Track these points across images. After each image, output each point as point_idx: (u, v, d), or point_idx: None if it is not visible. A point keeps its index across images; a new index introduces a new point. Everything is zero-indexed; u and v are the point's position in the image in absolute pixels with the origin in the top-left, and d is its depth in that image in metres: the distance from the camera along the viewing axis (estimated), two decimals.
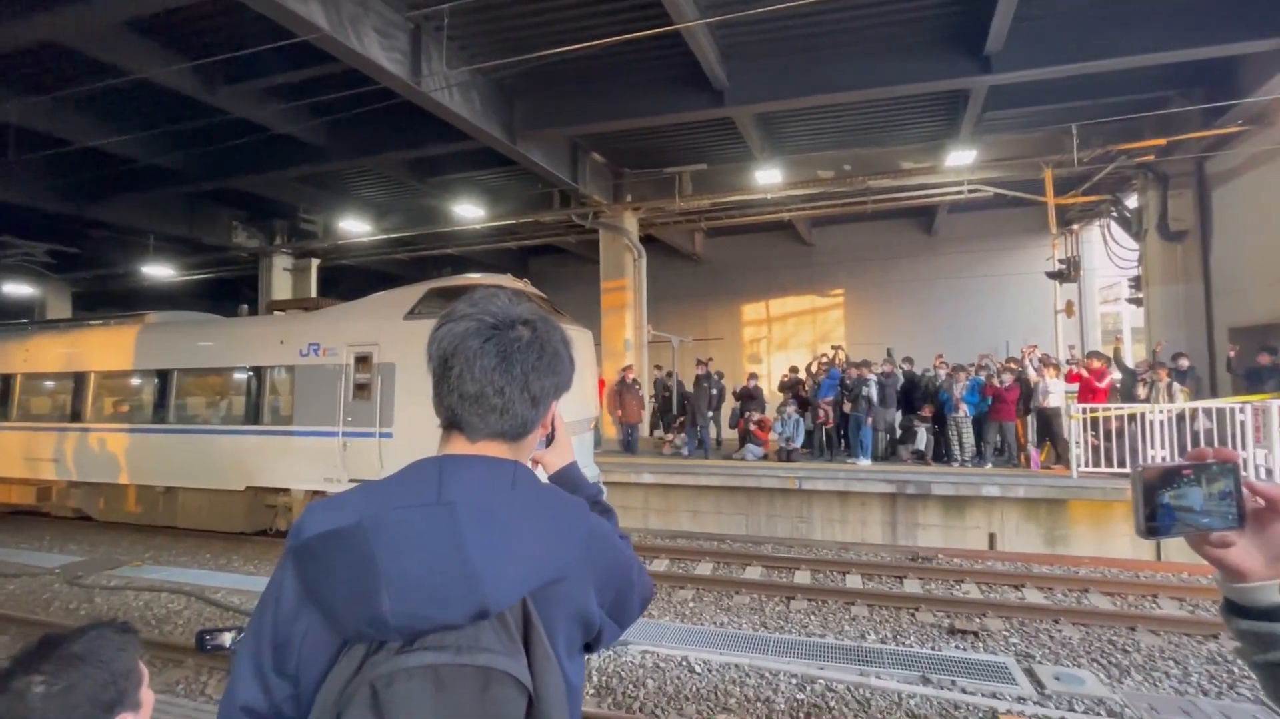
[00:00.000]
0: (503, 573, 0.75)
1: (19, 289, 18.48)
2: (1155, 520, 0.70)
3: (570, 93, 10.00)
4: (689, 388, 12.28)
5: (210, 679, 5.00)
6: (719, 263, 19.44)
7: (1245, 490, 0.70)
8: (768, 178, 12.26)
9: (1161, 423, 8.23)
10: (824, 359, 11.95)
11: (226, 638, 1.28)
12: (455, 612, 0.72)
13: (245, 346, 9.04)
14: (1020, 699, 4.42)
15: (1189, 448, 8.13)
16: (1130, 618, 5.96)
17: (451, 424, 0.90)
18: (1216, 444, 7.96)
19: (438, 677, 0.70)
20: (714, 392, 11.76)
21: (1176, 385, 8.55)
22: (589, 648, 0.90)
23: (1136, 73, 9.34)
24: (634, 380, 12.17)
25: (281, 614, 0.78)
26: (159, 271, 17.56)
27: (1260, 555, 0.70)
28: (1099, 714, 4.27)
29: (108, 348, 10.00)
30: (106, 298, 21.44)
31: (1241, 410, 7.96)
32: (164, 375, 9.35)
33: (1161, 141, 10.25)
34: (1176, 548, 7.71)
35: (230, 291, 20.77)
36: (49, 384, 10.43)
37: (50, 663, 0.95)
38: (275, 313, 10.10)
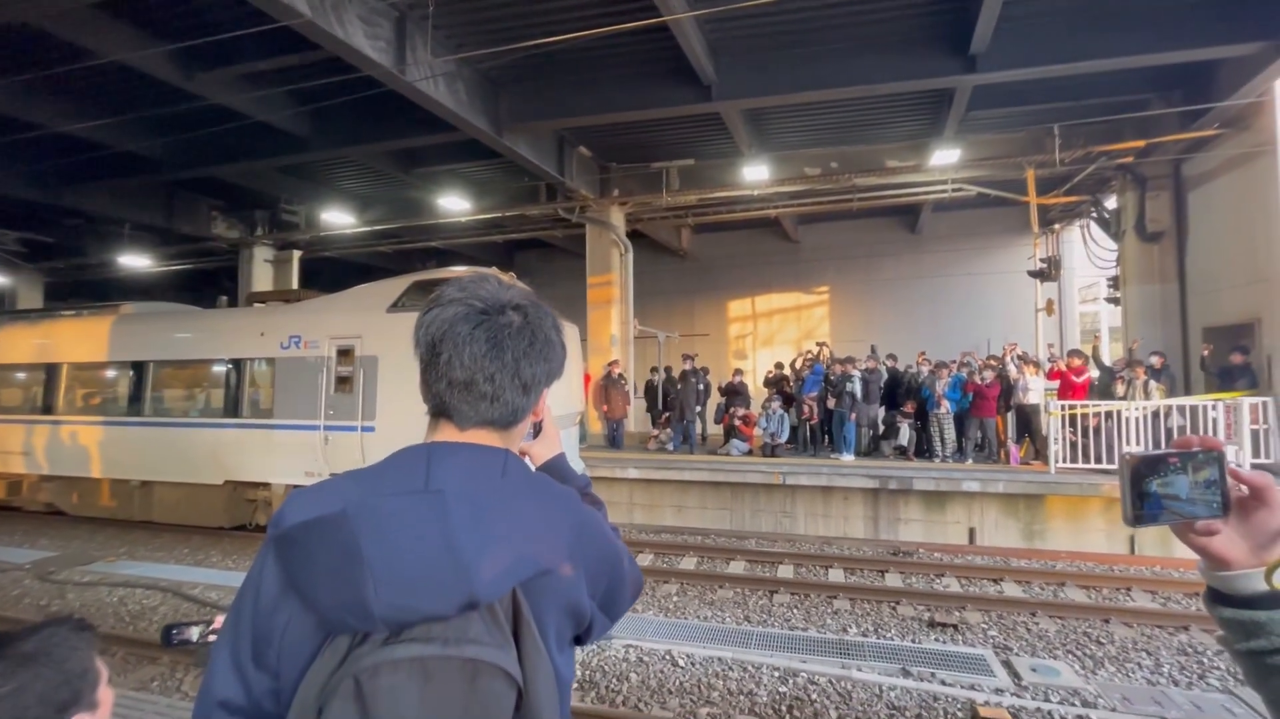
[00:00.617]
0: (492, 563, 0.74)
1: None
2: (1142, 508, 0.70)
3: (557, 85, 9.93)
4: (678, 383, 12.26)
5: (186, 676, 4.91)
6: (705, 259, 19.46)
7: (1230, 479, 0.70)
8: (755, 174, 12.28)
9: (1137, 420, 8.40)
10: (809, 356, 12.03)
11: (193, 632, 1.24)
12: (443, 602, 0.71)
13: (224, 338, 8.88)
14: (998, 691, 4.50)
15: (1164, 445, 8.35)
16: (1104, 610, 6.10)
17: (440, 412, 0.88)
18: None
19: (425, 669, 0.68)
20: (700, 387, 11.79)
21: (1153, 383, 8.72)
22: (579, 640, 0.89)
23: (1117, 75, 9.48)
24: (620, 375, 12.15)
25: (261, 605, 0.76)
26: (135, 262, 17.17)
27: (1244, 544, 0.71)
28: (1074, 705, 4.35)
29: (81, 339, 9.77)
30: (80, 288, 20.91)
31: (1214, 408, 8.16)
32: (140, 367, 9.16)
33: (1140, 143, 10.42)
34: (1150, 542, 7.89)
35: (209, 283, 20.38)
36: (20, 376, 10.17)
37: (0, 662, 0.92)
38: (255, 304, 9.93)
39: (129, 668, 5.05)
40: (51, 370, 9.71)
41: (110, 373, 9.57)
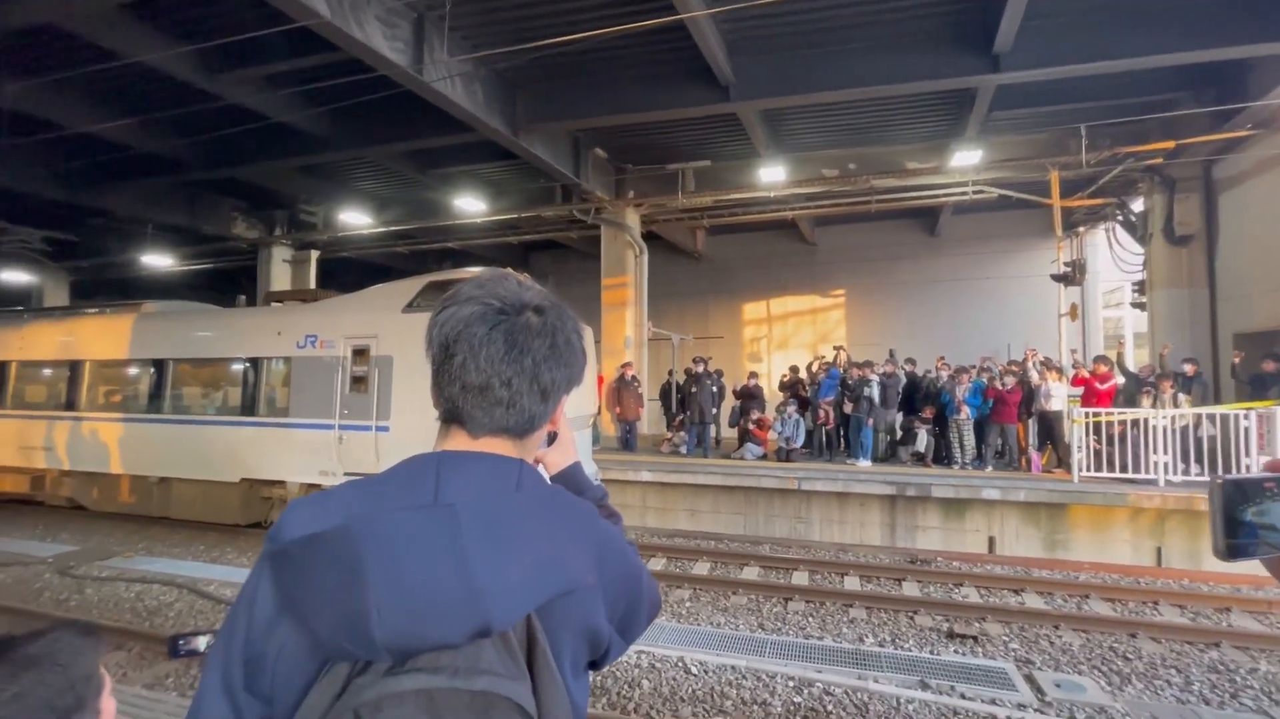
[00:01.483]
0: (508, 585, 0.68)
1: (16, 276, 18.36)
2: (1236, 539, 0.62)
3: (573, 86, 9.91)
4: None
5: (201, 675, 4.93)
6: (721, 261, 19.36)
7: None
8: (771, 176, 12.18)
9: (1165, 429, 8.17)
10: (823, 360, 11.90)
11: (201, 642, 1.20)
12: (453, 629, 0.65)
13: (242, 337, 8.96)
14: (1021, 706, 4.36)
15: (1192, 455, 8.14)
16: (1131, 624, 5.92)
17: (451, 418, 0.83)
18: (1220, 451, 7.90)
19: (432, 702, 0.62)
20: (714, 390, 11.70)
21: (1182, 396, 8.49)
22: (594, 665, 0.83)
23: (1146, 74, 9.27)
24: (633, 378, 12.10)
25: (255, 626, 0.70)
26: (158, 261, 17.45)
27: None
28: None
29: (103, 336, 9.91)
30: (104, 286, 21.29)
31: (1246, 417, 7.91)
32: (160, 365, 9.27)
33: (1170, 144, 10.17)
34: (1178, 554, 7.67)
35: (229, 282, 20.65)
36: (44, 372, 10.35)
37: (2, 666, 0.89)
38: (273, 304, 10.02)
39: (144, 663, 5.08)
40: (74, 367, 9.87)
41: (131, 370, 9.70)
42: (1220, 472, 7.53)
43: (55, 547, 8.32)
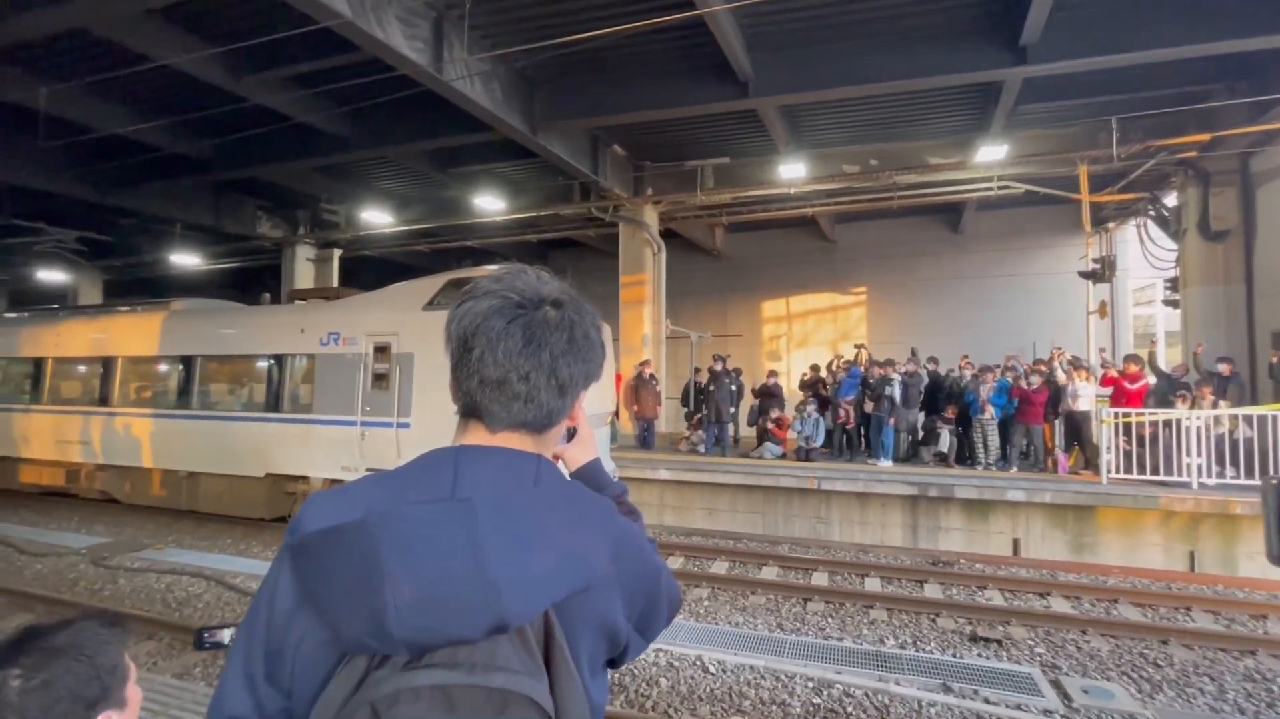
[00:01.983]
0: (525, 581, 0.67)
1: (52, 276, 18.92)
2: None
3: (591, 83, 9.91)
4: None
5: None
6: (739, 258, 19.24)
7: None
8: (791, 172, 12.07)
9: (1199, 430, 7.94)
10: (844, 358, 11.77)
11: (225, 635, 1.22)
12: (470, 625, 0.64)
13: (267, 335, 9.12)
14: (1047, 712, 4.29)
15: (1228, 457, 7.89)
16: (1162, 630, 5.77)
17: (470, 412, 0.82)
18: (1258, 454, 7.65)
19: (448, 698, 0.62)
20: (733, 388, 11.64)
21: (1222, 402, 8.24)
22: (613, 663, 0.82)
23: (1179, 65, 8.97)
24: (651, 375, 12.09)
25: (276, 618, 0.71)
26: (186, 260, 17.85)
27: None
28: None
29: (134, 334, 10.17)
30: (137, 285, 21.85)
31: None
32: (188, 362, 9.49)
33: (1205, 137, 9.86)
34: (1212, 559, 7.46)
35: (254, 281, 21.07)
36: (78, 368, 10.65)
37: (30, 656, 0.91)
38: (297, 302, 10.19)
39: (174, 653, 5.20)
40: (107, 364, 10.14)
41: (161, 367, 9.95)
42: (1262, 474, 7.30)
43: (89, 538, 8.56)
